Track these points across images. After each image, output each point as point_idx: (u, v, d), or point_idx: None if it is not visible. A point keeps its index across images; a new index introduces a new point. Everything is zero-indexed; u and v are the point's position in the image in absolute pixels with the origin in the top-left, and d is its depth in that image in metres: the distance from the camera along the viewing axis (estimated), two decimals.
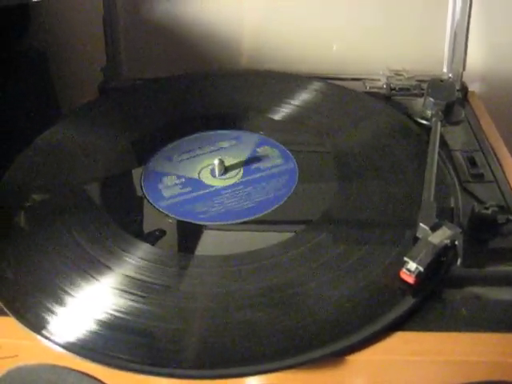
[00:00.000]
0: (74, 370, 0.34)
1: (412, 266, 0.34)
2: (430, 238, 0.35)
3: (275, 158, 0.46)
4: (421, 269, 0.34)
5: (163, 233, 0.40)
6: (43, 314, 0.34)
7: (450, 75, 0.58)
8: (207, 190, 0.43)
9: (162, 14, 0.62)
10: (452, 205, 0.41)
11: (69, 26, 0.63)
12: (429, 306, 0.34)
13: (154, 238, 0.40)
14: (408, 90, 0.57)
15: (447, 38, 0.58)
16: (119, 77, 0.60)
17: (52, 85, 0.63)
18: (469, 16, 0.55)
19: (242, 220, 0.40)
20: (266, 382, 0.33)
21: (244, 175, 0.45)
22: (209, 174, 0.45)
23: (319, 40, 0.63)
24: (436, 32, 0.59)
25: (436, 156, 0.43)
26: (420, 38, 0.61)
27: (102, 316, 0.34)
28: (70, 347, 0.32)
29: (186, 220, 0.41)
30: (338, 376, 0.32)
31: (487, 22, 0.61)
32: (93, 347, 0.32)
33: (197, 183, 0.44)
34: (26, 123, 0.55)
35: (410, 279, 0.34)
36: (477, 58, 0.62)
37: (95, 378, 0.34)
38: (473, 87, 0.58)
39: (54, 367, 0.34)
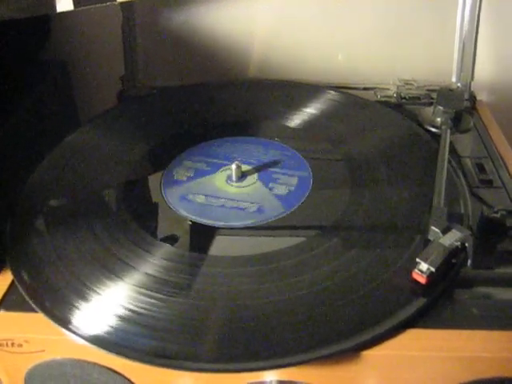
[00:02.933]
0: (98, 365, 0.35)
1: (424, 266, 0.35)
2: (441, 241, 0.37)
3: (290, 165, 0.48)
4: (432, 269, 0.35)
5: (181, 234, 0.42)
6: (69, 310, 0.35)
7: (459, 85, 0.59)
8: (223, 195, 0.45)
9: (178, 25, 0.64)
10: (462, 209, 0.42)
11: (89, 37, 0.65)
12: (440, 304, 0.35)
13: (173, 239, 0.41)
14: (418, 98, 0.58)
15: (456, 49, 0.59)
16: (137, 85, 0.62)
17: (72, 93, 0.65)
18: (477, 27, 0.56)
19: (257, 224, 0.42)
20: (281, 376, 0.34)
21: (259, 181, 0.46)
22: (225, 179, 0.46)
23: (330, 51, 0.64)
24: (445, 43, 0.60)
25: (446, 162, 0.45)
26: (429, 48, 0.62)
27: (125, 312, 0.35)
28: (95, 341, 0.34)
29: (202, 222, 0.42)
30: (352, 371, 0.34)
31: (495, 32, 0.62)
32: (116, 341, 0.34)
33: (214, 188, 0.46)
34: (47, 131, 0.56)
35: (422, 279, 0.35)
36: (485, 67, 0.63)
37: (118, 373, 0.35)
38: (481, 96, 0.60)
39: (79, 362, 0.35)
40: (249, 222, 0.42)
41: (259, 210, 0.43)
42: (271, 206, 0.43)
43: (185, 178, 0.47)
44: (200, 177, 0.47)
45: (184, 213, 0.43)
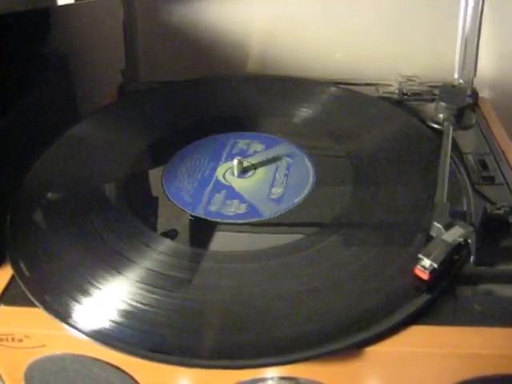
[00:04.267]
0: (98, 360, 0.35)
1: (426, 262, 0.35)
2: (443, 237, 0.37)
3: (292, 161, 0.47)
4: (435, 265, 0.35)
5: (182, 229, 0.41)
6: (70, 305, 0.35)
7: (461, 81, 0.59)
8: (225, 190, 0.45)
9: (179, 19, 0.63)
10: (464, 206, 0.42)
11: (89, 31, 0.65)
12: (443, 301, 0.35)
13: (173, 233, 0.41)
14: (420, 95, 0.58)
15: (458, 45, 0.59)
16: (138, 79, 0.62)
17: (72, 87, 0.65)
18: (480, 23, 0.56)
19: (257, 220, 0.42)
20: (284, 373, 0.34)
21: (261, 176, 0.46)
22: (228, 174, 0.46)
23: (331, 47, 0.64)
24: (447, 39, 0.60)
25: (448, 159, 0.45)
26: (431, 44, 0.62)
27: (126, 307, 0.35)
28: (95, 336, 0.34)
29: (202, 217, 0.42)
30: (355, 367, 0.33)
31: (497, 29, 0.62)
32: (116, 337, 0.33)
33: (215, 183, 0.45)
34: (48, 124, 0.56)
35: (425, 275, 0.35)
36: (486, 64, 0.63)
37: (119, 368, 0.35)
38: (482, 93, 0.59)
39: (79, 357, 0.35)
40: (249, 218, 0.42)
41: (260, 206, 0.43)
42: (272, 202, 0.43)
43: (186, 172, 0.47)
44: (201, 171, 0.47)
45: (184, 207, 0.43)
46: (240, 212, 0.42)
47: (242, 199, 0.43)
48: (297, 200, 0.43)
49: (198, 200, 0.44)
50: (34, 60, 0.59)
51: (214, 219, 0.42)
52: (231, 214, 0.42)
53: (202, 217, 0.42)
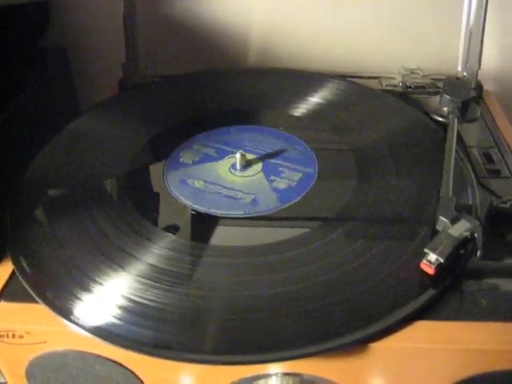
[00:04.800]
0: (100, 357, 0.35)
1: (432, 257, 0.35)
2: (450, 231, 0.36)
3: (295, 155, 0.47)
4: (441, 260, 0.34)
5: (183, 224, 0.41)
6: (71, 301, 0.35)
7: (465, 74, 0.58)
8: (226, 184, 0.44)
9: (180, 13, 0.63)
10: (470, 199, 0.41)
11: (89, 23, 0.64)
12: (449, 296, 0.35)
13: (175, 228, 0.41)
14: (423, 88, 0.58)
15: (462, 37, 0.59)
16: (138, 73, 0.61)
17: (72, 81, 0.64)
18: (484, 15, 0.55)
19: (260, 214, 0.41)
20: (288, 369, 0.34)
21: (264, 170, 0.45)
22: (229, 168, 0.46)
23: (334, 39, 0.63)
24: (451, 31, 0.59)
25: (453, 152, 0.44)
26: (435, 37, 0.61)
27: (127, 303, 0.35)
28: (96, 332, 0.33)
29: (205, 212, 0.41)
30: (360, 363, 0.33)
31: (501, 21, 0.61)
32: (117, 332, 0.33)
33: (217, 177, 0.45)
34: (47, 119, 0.56)
35: (431, 270, 0.35)
36: (490, 57, 0.63)
37: (120, 364, 0.35)
38: (486, 86, 0.59)
39: (81, 353, 0.35)
40: (252, 212, 0.41)
41: (263, 200, 0.42)
42: (275, 196, 0.43)
43: (188, 166, 0.46)
44: (204, 162, 0.46)
45: (186, 201, 0.42)
46: (242, 206, 0.42)
47: (243, 193, 0.43)
48: (299, 195, 0.43)
49: (200, 194, 0.43)
50: (33, 54, 0.59)
51: (215, 213, 0.41)
52: (233, 207, 0.42)
53: (204, 211, 0.41)
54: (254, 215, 0.41)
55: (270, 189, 0.43)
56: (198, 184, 0.44)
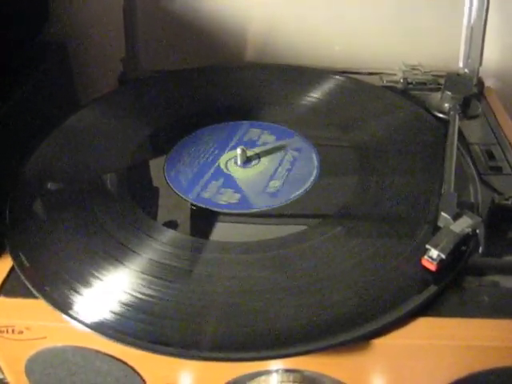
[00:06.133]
0: (100, 353, 0.35)
1: (434, 253, 0.35)
2: (451, 227, 0.36)
3: (296, 151, 0.47)
4: (443, 256, 0.34)
5: (184, 219, 0.41)
6: (71, 296, 0.34)
7: (466, 70, 0.58)
8: (227, 179, 0.44)
9: (181, 6, 0.62)
10: (471, 196, 0.41)
11: (88, 18, 0.64)
12: (450, 292, 0.35)
13: (176, 223, 0.40)
14: (424, 84, 0.57)
15: (463, 34, 0.58)
16: (138, 68, 0.61)
17: (71, 75, 0.64)
18: (486, 11, 0.55)
19: (262, 210, 0.41)
20: (289, 365, 0.34)
21: (265, 166, 0.45)
22: (231, 162, 0.46)
23: (334, 35, 0.63)
24: (452, 27, 0.59)
25: (455, 148, 0.44)
26: (436, 33, 0.61)
27: (127, 298, 0.34)
28: (97, 328, 0.33)
29: (205, 207, 0.41)
30: (362, 360, 0.33)
31: (503, 17, 0.61)
32: (118, 329, 0.33)
33: (218, 171, 0.45)
34: (47, 113, 0.55)
35: (432, 266, 0.35)
36: (491, 54, 0.62)
37: (121, 361, 0.35)
38: (487, 83, 0.59)
39: (81, 349, 0.35)
40: (252, 208, 0.41)
41: (263, 196, 0.42)
42: (275, 193, 0.42)
43: (189, 160, 0.46)
44: (204, 159, 0.46)
45: (186, 196, 0.42)
46: (232, 202, 0.42)
47: (237, 189, 0.43)
48: (300, 191, 0.42)
49: (194, 185, 0.43)
50: (33, 48, 0.58)
51: (216, 209, 0.41)
52: (223, 202, 0.41)
53: (204, 206, 0.41)
54: (255, 211, 0.41)
55: (271, 184, 0.43)
56: (195, 175, 0.44)
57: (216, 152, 0.47)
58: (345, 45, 0.63)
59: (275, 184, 0.43)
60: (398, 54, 0.61)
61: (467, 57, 0.58)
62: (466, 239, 0.36)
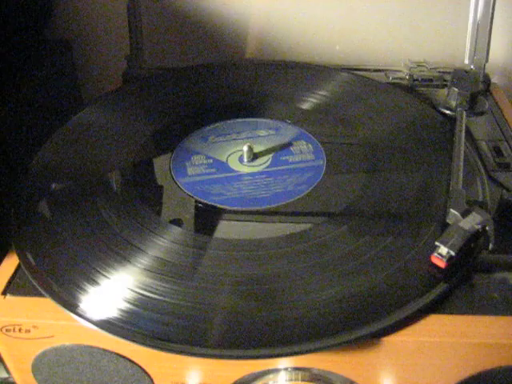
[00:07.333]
0: (107, 351, 0.34)
1: (443, 250, 0.34)
2: (460, 224, 0.36)
3: (303, 148, 0.47)
4: (452, 253, 0.34)
5: (190, 216, 0.41)
6: (78, 295, 0.34)
7: (472, 67, 0.58)
8: (230, 174, 0.44)
9: (185, 3, 0.62)
10: (479, 193, 0.41)
11: (93, 16, 0.63)
12: (460, 290, 0.35)
13: (182, 221, 0.40)
14: (430, 80, 0.57)
15: (469, 30, 0.58)
16: (142, 66, 0.61)
17: (75, 73, 0.64)
18: (493, 8, 0.55)
19: (268, 207, 0.41)
20: (299, 363, 0.34)
21: (271, 163, 0.45)
22: (237, 159, 0.45)
23: (338, 31, 0.63)
24: (458, 24, 0.59)
25: (463, 144, 0.44)
26: (442, 29, 0.61)
27: (135, 296, 0.34)
28: (104, 326, 0.33)
29: (211, 204, 0.41)
30: (372, 357, 0.33)
31: (509, 14, 0.61)
32: (124, 326, 0.33)
33: (223, 166, 0.45)
34: (52, 111, 0.55)
35: (442, 263, 0.34)
36: (497, 50, 0.62)
37: (128, 359, 0.35)
38: (494, 80, 0.58)
39: (88, 348, 0.35)
40: (259, 205, 0.41)
41: (265, 194, 0.42)
42: (277, 192, 0.42)
43: (195, 157, 0.46)
44: (210, 156, 0.46)
45: (189, 192, 0.42)
46: (237, 199, 0.41)
47: (242, 186, 0.43)
48: (307, 188, 0.42)
49: (200, 183, 0.43)
50: (37, 45, 0.58)
51: (222, 206, 0.41)
52: (228, 200, 0.41)
53: (210, 204, 0.41)
54: (262, 208, 0.41)
55: (277, 182, 0.43)
56: (204, 174, 0.44)
57: (222, 149, 0.47)
58: (350, 41, 0.63)
59: (280, 181, 0.43)
60: (403, 50, 0.61)
61: (473, 53, 0.58)
62: (475, 236, 0.36)
